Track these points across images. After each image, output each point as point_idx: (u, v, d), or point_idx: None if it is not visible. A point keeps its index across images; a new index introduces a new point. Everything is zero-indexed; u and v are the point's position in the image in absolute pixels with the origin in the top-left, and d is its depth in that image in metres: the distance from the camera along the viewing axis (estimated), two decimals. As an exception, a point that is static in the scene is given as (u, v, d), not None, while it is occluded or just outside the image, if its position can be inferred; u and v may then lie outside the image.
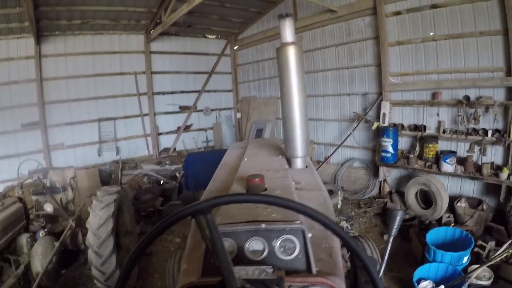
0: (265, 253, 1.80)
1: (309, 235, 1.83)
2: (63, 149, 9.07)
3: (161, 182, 9.15)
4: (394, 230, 2.30)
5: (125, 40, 10.27)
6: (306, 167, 3.75)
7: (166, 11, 9.08)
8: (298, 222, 1.83)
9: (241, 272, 1.47)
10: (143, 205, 7.63)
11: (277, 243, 1.80)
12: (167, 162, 10.08)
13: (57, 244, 4.71)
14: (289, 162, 3.72)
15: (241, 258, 1.78)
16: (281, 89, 3.62)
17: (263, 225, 1.83)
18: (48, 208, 5.22)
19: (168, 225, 1.18)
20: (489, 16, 6.31)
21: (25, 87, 8.80)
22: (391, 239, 2.31)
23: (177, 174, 9.46)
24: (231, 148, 5.24)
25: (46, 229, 5.00)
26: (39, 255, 4.49)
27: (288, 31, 3.53)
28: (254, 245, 1.82)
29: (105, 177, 8.96)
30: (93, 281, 4.70)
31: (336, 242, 2.18)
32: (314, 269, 1.75)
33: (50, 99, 9.13)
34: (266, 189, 2.57)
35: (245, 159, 3.82)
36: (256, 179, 2.49)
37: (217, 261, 1.16)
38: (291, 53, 3.48)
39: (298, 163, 3.67)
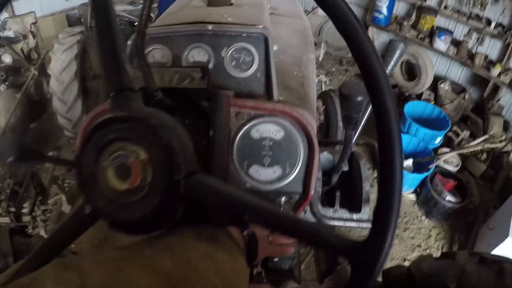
0: (210, 66, 1.35)
1: (275, 47, 1.48)
2: None
3: (135, 24, 8.58)
4: (391, 65, 1.99)
5: None
6: None
7: None
8: (260, 26, 1.36)
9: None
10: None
11: (227, 54, 1.36)
12: (141, 2, 9.24)
13: (18, 95, 4.60)
14: None
15: None
16: None
17: (210, 27, 1.34)
18: (7, 59, 4.78)
19: None
20: None
21: None
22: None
23: (152, 14, 8.83)
24: None
25: (7, 83, 4.73)
26: (1, 110, 4.45)
27: None
28: (196, 54, 1.36)
29: (75, 23, 8.14)
30: (62, 130, 4.82)
31: (311, 72, 1.77)
32: (275, 94, 1.37)
33: None
34: (232, 4, 1.88)
35: None
36: None
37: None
38: None
39: None
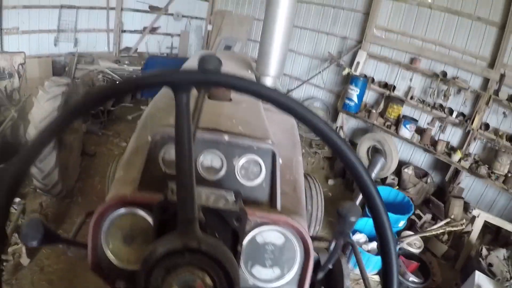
0: (223, 172, 1.48)
1: (280, 161, 1.54)
2: (17, 34, 8.13)
3: (117, 82, 8.66)
4: (373, 176, 2.13)
5: None
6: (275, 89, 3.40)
7: None
8: (269, 141, 1.52)
9: None
10: (94, 102, 7.21)
11: (239, 163, 1.48)
12: (126, 62, 9.47)
13: None
14: (258, 80, 3.23)
15: None
16: None
17: (226, 137, 1.48)
18: None
19: (123, 91, 0.84)
20: (492, 5, 6.25)
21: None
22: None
23: (135, 77, 8.97)
24: (195, 55, 4.84)
25: None
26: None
27: None
28: (211, 160, 1.48)
29: (59, 69, 8.29)
30: (30, 178, 4.51)
31: (300, 176, 1.89)
32: (279, 204, 1.48)
33: None
34: (231, 100, 2.19)
35: None
36: (221, 93, 2.13)
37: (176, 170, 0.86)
38: None
39: (268, 82, 3.19)
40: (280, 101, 0.73)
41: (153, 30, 10.71)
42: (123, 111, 8.10)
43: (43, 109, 4.25)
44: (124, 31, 10.10)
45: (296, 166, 1.93)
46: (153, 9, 10.49)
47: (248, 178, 1.50)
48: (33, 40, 8.39)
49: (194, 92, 0.88)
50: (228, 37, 11.08)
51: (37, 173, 4.33)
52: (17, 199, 4.61)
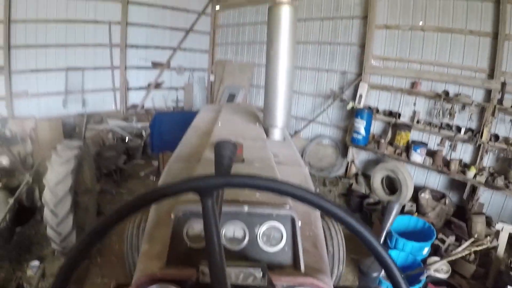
0: (245, 241, 1.51)
1: (299, 223, 1.57)
2: (26, 97, 8.46)
3: (126, 139, 8.84)
4: (389, 223, 2.16)
5: (103, -14, 9.51)
6: (284, 139, 3.56)
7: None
8: (287, 207, 1.57)
9: None
10: (106, 162, 7.36)
11: (260, 231, 1.53)
12: (134, 119, 9.72)
13: (11, 200, 4.43)
14: (267, 131, 3.45)
15: None
16: (268, 51, 3.33)
17: (246, 208, 1.53)
18: (4, 160, 4.80)
19: (144, 204, 0.86)
20: (481, 17, 6.32)
21: (-9, 28, 8.02)
22: (384, 233, 2.21)
23: (143, 132, 9.16)
24: (203, 111, 4.96)
25: (0, 183, 4.62)
26: (-9, 210, 4.19)
27: None
28: (234, 230, 1.53)
29: (69, 130, 8.51)
30: (48, 241, 4.52)
31: (319, 229, 1.93)
32: (302, 266, 1.50)
33: (17, 43, 8.33)
34: (243, 160, 2.30)
35: (219, 124, 3.56)
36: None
37: (207, 260, 0.89)
38: (285, 13, 3.20)
39: (277, 134, 3.39)
40: (296, 194, 0.81)
41: (157, 85, 11.05)
42: (134, 168, 8.17)
43: (57, 173, 4.30)
44: (130, 89, 10.46)
45: (315, 220, 1.96)
46: (155, 65, 10.89)
47: (270, 244, 1.53)
48: (42, 102, 8.74)
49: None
50: (231, 85, 11.33)
51: (55, 237, 4.33)
52: (36, 262, 4.61)
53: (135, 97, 10.63)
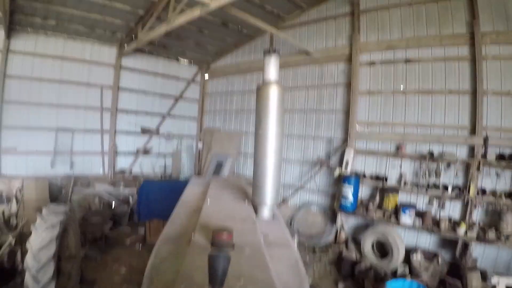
0: None
1: None
2: (15, 154, 8.40)
3: (113, 205, 8.65)
4: None
5: (97, 50, 9.91)
6: (274, 217, 3.52)
7: (143, 27, 8.89)
8: None
9: None
10: (91, 228, 7.13)
11: None
12: (122, 185, 9.58)
13: None
14: (256, 209, 3.47)
15: None
16: (256, 130, 3.40)
17: None
18: None
19: None
20: (459, 76, 6.69)
21: (-15, 82, 8.20)
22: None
23: (130, 199, 8.99)
24: (191, 184, 4.97)
25: None
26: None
27: (272, 69, 3.36)
28: None
29: (55, 191, 8.31)
30: None
31: None
32: None
33: (10, 98, 8.50)
34: (233, 246, 2.26)
35: (208, 202, 3.52)
36: (224, 235, 2.17)
37: None
38: (273, 93, 3.30)
39: (266, 212, 3.38)
40: None
41: (146, 151, 11.06)
42: (120, 235, 7.89)
43: (41, 238, 4.20)
44: (118, 153, 10.43)
45: None
46: (145, 131, 11.00)
47: None
48: (30, 161, 8.65)
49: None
50: (218, 153, 11.39)
51: None
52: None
53: (123, 162, 10.58)
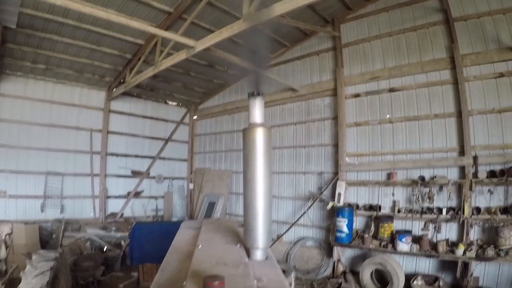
0: None
1: None
2: (4, 198, 8.25)
3: (105, 249, 8.45)
4: None
5: (86, 94, 10.01)
6: (266, 257, 3.51)
7: (131, 71, 9.10)
8: None
9: None
10: (83, 273, 6.91)
11: None
12: (113, 228, 9.39)
13: None
14: (248, 252, 3.49)
15: None
16: (245, 174, 3.39)
17: None
18: None
19: None
20: (444, 99, 6.94)
21: (-27, 125, 8.20)
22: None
23: (122, 242, 8.79)
24: (182, 228, 4.92)
25: None
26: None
27: (257, 111, 3.37)
28: None
29: (46, 236, 8.14)
30: None
31: None
32: None
33: None
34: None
35: (199, 246, 3.51)
36: (216, 283, 2.08)
37: None
38: (260, 136, 3.32)
39: (259, 254, 3.34)
40: None
41: (137, 194, 10.95)
42: (113, 279, 7.67)
43: (31, 285, 4.13)
44: (109, 196, 10.31)
45: None
46: (135, 173, 10.94)
47: None
48: (20, 204, 8.47)
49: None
50: (210, 193, 11.36)
51: None
52: None
53: (114, 205, 10.42)
